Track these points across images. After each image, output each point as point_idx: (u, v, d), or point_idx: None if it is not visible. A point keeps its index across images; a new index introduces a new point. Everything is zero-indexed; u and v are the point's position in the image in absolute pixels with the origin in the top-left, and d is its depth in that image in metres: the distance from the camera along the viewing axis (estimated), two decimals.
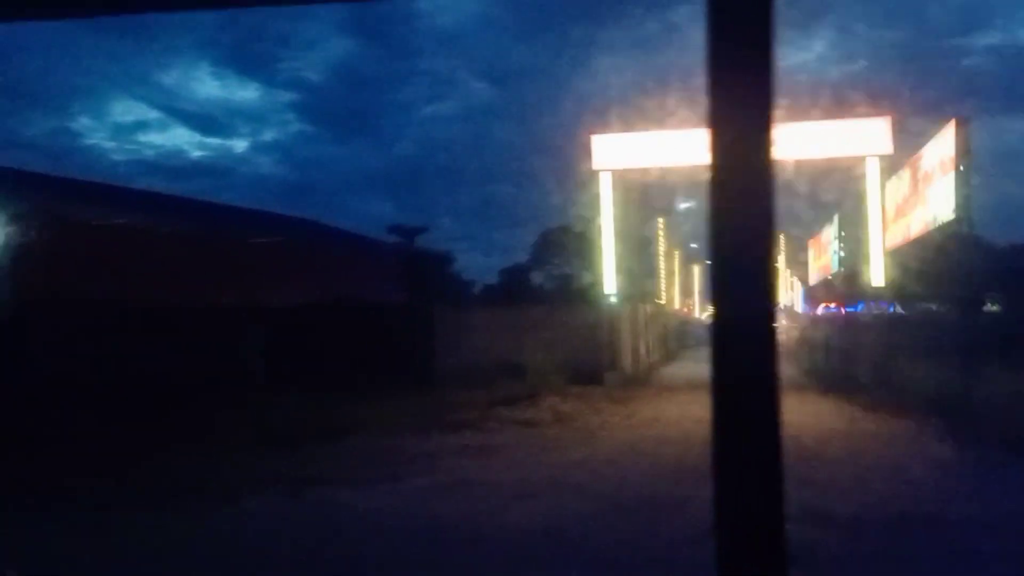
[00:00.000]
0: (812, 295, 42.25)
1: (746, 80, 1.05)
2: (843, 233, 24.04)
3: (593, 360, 17.01)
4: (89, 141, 72.32)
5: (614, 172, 17.06)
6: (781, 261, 43.69)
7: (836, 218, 24.98)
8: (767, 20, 1.06)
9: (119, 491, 7.62)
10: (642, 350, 19.78)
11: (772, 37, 1.06)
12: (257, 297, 19.69)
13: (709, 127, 1.10)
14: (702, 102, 1.00)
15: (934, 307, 16.77)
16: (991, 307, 23.65)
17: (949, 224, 15.67)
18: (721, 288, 1.00)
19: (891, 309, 35.17)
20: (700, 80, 1.00)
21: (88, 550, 5.81)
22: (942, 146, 16.04)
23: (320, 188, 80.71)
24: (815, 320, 26.20)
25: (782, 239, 43.50)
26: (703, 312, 45.21)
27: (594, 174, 16.85)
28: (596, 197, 16.74)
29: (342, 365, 17.64)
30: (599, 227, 16.80)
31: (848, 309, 46.89)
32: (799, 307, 44.84)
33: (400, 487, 7.89)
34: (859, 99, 16.32)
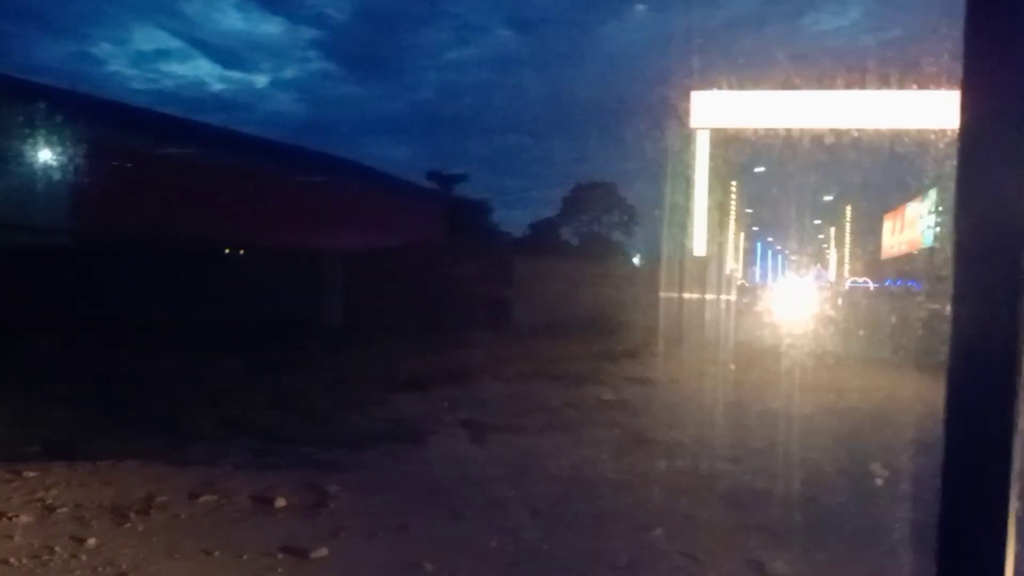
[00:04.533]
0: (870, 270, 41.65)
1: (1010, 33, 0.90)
2: (941, 208, 23.57)
3: (675, 321, 16.82)
4: (111, 68, 71.23)
5: (712, 131, 16.65)
6: (847, 233, 43.28)
7: (933, 192, 24.46)
8: None
9: (302, 431, 7.50)
10: (716, 313, 19.60)
11: None
12: (332, 240, 19.46)
13: (963, 88, 0.97)
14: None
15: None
16: None
17: None
18: (965, 281, 0.91)
19: (918, 287, 34.90)
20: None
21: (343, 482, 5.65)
22: None
23: (339, 128, 79.71)
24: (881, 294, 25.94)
25: (848, 211, 43.01)
26: (743, 279, 44.99)
27: (691, 132, 16.45)
28: (691, 156, 16.37)
29: (416, 311, 17.47)
30: (692, 187, 16.47)
31: (876, 284, 46.66)
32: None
33: (577, 438, 7.64)
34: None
